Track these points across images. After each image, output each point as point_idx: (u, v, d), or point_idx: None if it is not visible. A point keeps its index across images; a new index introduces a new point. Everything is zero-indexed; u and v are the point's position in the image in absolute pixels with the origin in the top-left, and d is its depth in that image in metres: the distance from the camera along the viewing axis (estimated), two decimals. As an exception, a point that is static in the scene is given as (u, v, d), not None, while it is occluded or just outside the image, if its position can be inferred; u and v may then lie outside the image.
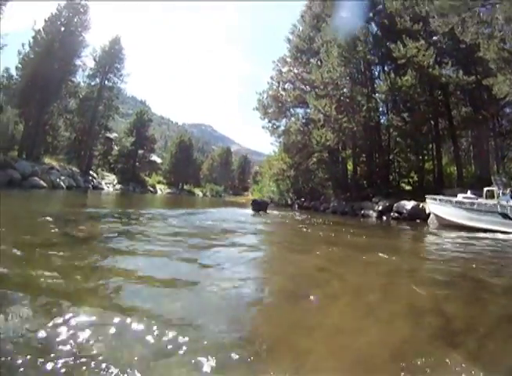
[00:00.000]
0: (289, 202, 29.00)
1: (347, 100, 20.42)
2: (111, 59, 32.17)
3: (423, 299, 3.13)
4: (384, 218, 16.70)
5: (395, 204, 16.54)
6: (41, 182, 18.19)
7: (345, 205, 20.44)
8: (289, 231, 9.96)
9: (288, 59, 28.12)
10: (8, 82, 22.91)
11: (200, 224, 8.59)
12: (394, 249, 6.73)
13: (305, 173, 27.41)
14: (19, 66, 23.35)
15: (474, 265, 4.96)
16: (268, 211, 14.51)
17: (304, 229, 9.82)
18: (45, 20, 23.97)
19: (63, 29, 24.28)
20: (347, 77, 20.82)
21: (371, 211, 18.01)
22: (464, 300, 3.31)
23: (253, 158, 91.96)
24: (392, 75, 17.93)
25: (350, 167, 24.42)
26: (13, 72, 23.58)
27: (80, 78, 30.03)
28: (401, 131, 19.31)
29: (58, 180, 20.77)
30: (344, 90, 20.95)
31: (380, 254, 5.31)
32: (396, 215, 16.22)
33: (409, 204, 15.82)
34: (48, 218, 6.21)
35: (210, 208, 17.74)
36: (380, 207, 17.48)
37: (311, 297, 2.88)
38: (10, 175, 16.24)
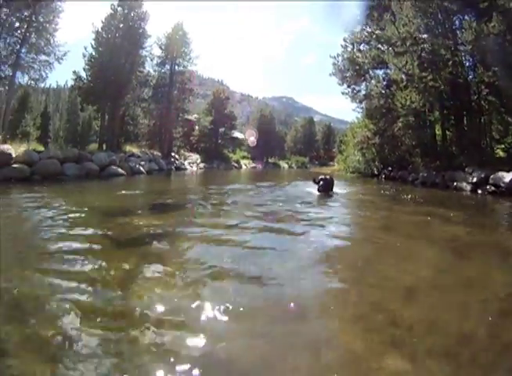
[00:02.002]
0: (375, 172, 26.75)
1: (430, 56, 17.68)
2: (177, 45, 32.52)
3: None
4: (480, 191, 14.22)
5: (491, 176, 13.95)
6: (119, 170, 18.96)
7: (435, 176, 18.00)
8: (372, 217, 7.62)
9: (359, 17, 25.60)
10: (79, 83, 24.23)
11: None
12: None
13: (391, 140, 24.82)
14: (87, 67, 24.56)
15: None
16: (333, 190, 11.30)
17: (391, 213, 8.11)
18: (102, 21, 24.81)
19: (121, 25, 24.89)
20: (426, 30, 17.94)
21: (464, 184, 15.45)
22: None
23: (337, 127, 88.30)
24: (474, 25, 14.98)
25: (439, 132, 21.59)
26: (82, 74, 24.87)
27: (150, 68, 31.20)
28: (493, 88, 16.08)
29: (137, 166, 21.57)
30: (425, 45, 18.14)
31: (494, 265, 3.79)
32: (493, 188, 13.65)
33: (507, 176, 13.17)
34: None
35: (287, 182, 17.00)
36: (475, 179, 14.88)
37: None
38: (87, 167, 17.09)
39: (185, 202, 8.80)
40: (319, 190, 10.68)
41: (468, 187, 15.16)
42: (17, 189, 10.46)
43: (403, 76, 19.01)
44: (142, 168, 21.83)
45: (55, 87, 60.45)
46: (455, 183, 16.09)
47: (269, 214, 6.82)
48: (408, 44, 17.97)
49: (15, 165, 13.51)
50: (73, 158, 16.61)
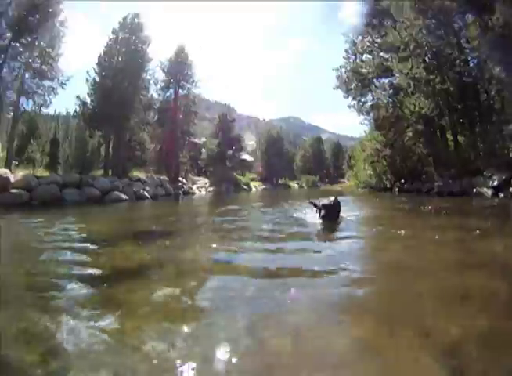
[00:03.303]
0: (387, 185, 25.72)
1: (435, 57, 17.14)
2: (180, 68, 32.76)
3: None
4: (502, 195, 13.47)
5: (514, 177, 13.18)
6: (122, 196, 18.50)
7: (452, 184, 17.20)
8: (393, 236, 5.53)
9: (358, 25, 25.52)
10: (82, 109, 24.13)
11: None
12: None
13: (402, 150, 24.12)
14: (90, 92, 24.41)
15: None
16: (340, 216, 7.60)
17: (407, 232, 5.67)
18: (105, 46, 24.92)
19: (124, 49, 24.97)
20: (428, 31, 17.40)
21: (485, 189, 14.71)
22: None
23: (345, 144, 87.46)
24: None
25: (451, 137, 20.66)
26: (87, 100, 24.58)
27: (154, 92, 31.26)
28: (506, 83, 15.29)
29: (141, 191, 21.05)
30: (429, 46, 17.54)
31: None
32: (515, 190, 12.88)
33: (531, 177, 12.39)
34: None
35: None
36: (496, 183, 14.19)
37: None
38: (88, 192, 16.83)
39: (175, 230, 7.50)
40: (324, 218, 7.04)
41: (489, 192, 14.38)
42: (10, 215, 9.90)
43: (410, 81, 18.44)
44: (146, 193, 21.25)
45: (65, 114, 61.26)
46: (474, 189, 15.27)
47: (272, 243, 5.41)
48: (411, 47, 17.52)
49: (13, 190, 13.32)
50: (74, 183, 16.44)
